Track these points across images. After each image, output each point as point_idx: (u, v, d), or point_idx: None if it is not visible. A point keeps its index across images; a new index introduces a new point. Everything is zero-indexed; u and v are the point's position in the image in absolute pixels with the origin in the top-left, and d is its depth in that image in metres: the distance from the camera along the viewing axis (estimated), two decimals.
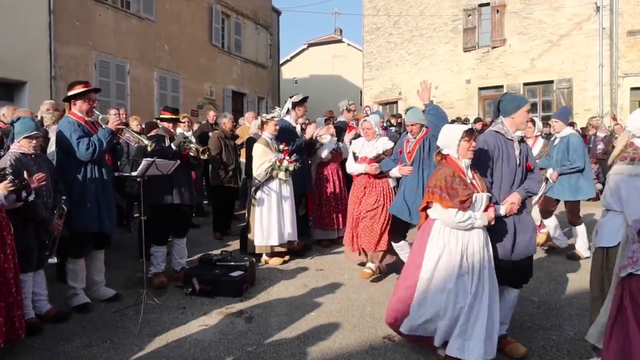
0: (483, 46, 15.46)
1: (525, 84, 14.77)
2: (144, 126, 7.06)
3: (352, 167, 4.93)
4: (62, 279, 4.24)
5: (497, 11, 15.05)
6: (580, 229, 5.52)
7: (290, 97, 5.67)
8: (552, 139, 5.85)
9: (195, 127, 8.21)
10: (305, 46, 27.04)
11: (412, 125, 4.34)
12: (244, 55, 17.54)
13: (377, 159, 4.70)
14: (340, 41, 26.07)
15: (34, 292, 3.51)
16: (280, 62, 22.56)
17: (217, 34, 15.96)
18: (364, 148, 4.84)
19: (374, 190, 4.72)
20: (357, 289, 4.42)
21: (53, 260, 3.45)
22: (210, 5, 15.52)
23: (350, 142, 6.09)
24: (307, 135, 5.60)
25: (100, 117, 3.97)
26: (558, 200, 5.61)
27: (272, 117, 5.17)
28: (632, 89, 13.26)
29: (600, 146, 10.49)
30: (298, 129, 5.74)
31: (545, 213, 5.73)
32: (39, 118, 4.96)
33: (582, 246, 5.46)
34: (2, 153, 3.50)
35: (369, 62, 18.74)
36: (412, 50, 17.20)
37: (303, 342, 3.29)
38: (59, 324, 3.54)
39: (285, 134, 5.32)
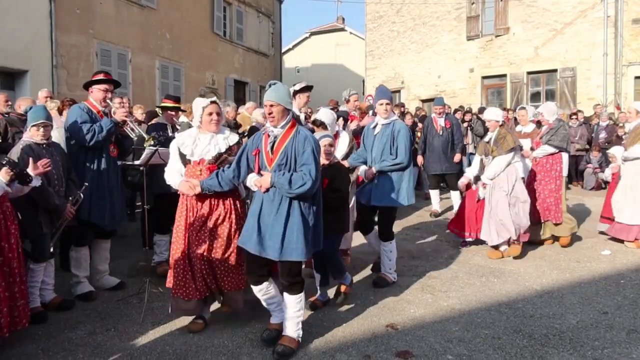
0: (486, 35, 15.30)
1: (529, 73, 14.65)
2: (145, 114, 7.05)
3: (170, 176, 3.34)
4: (65, 267, 4.27)
5: None
6: (392, 246, 4.20)
7: (294, 85, 5.63)
8: (370, 125, 4.42)
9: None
10: (307, 35, 26.85)
11: (271, 105, 2.89)
12: (246, 43, 17.42)
13: (219, 161, 3.26)
14: (342, 30, 25.86)
15: (42, 281, 3.54)
16: (283, 50, 22.40)
17: (219, 22, 15.83)
18: (199, 145, 3.27)
19: (217, 208, 3.24)
20: (360, 277, 4.43)
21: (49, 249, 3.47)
22: None
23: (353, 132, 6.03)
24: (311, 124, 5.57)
25: (113, 109, 3.99)
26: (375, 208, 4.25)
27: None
28: (637, 77, 13.13)
29: (603, 135, 10.43)
30: (302, 117, 5.71)
31: (364, 228, 4.37)
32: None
33: (390, 267, 4.19)
34: (12, 142, 3.52)
35: (372, 50, 18.59)
36: (415, 38, 17.05)
37: (306, 330, 3.30)
38: (63, 312, 3.56)
39: None
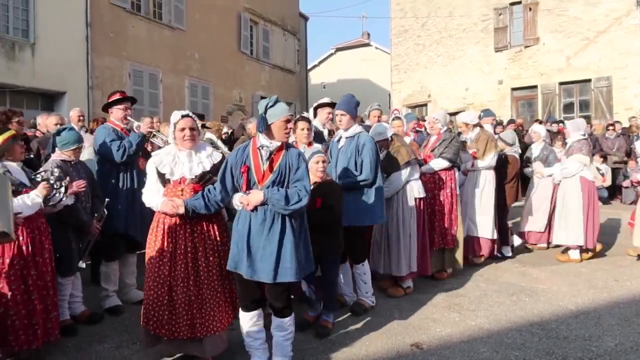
0: (515, 45, 15.06)
1: (561, 83, 14.28)
2: None
3: (149, 198, 3.07)
4: (95, 281, 4.38)
5: (530, 9, 14.64)
6: (365, 268, 3.91)
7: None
8: (335, 138, 4.16)
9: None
10: (333, 51, 27.12)
11: (288, 121, 2.77)
12: (272, 61, 17.75)
13: (204, 180, 3.00)
14: (368, 45, 26.00)
15: (71, 294, 3.65)
16: (308, 67, 22.69)
17: (246, 41, 16.22)
18: (179, 163, 2.99)
19: (202, 235, 2.95)
20: (383, 294, 4.35)
21: (81, 264, 3.60)
22: (239, 13, 15.80)
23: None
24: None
25: (136, 124, 4.13)
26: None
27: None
28: None
29: None
30: (325, 133, 5.71)
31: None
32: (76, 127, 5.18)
33: (367, 290, 3.92)
34: (42, 162, 3.69)
35: (397, 64, 18.58)
36: (441, 51, 16.95)
37: (329, 347, 3.26)
38: (92, 325, 3.65)
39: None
